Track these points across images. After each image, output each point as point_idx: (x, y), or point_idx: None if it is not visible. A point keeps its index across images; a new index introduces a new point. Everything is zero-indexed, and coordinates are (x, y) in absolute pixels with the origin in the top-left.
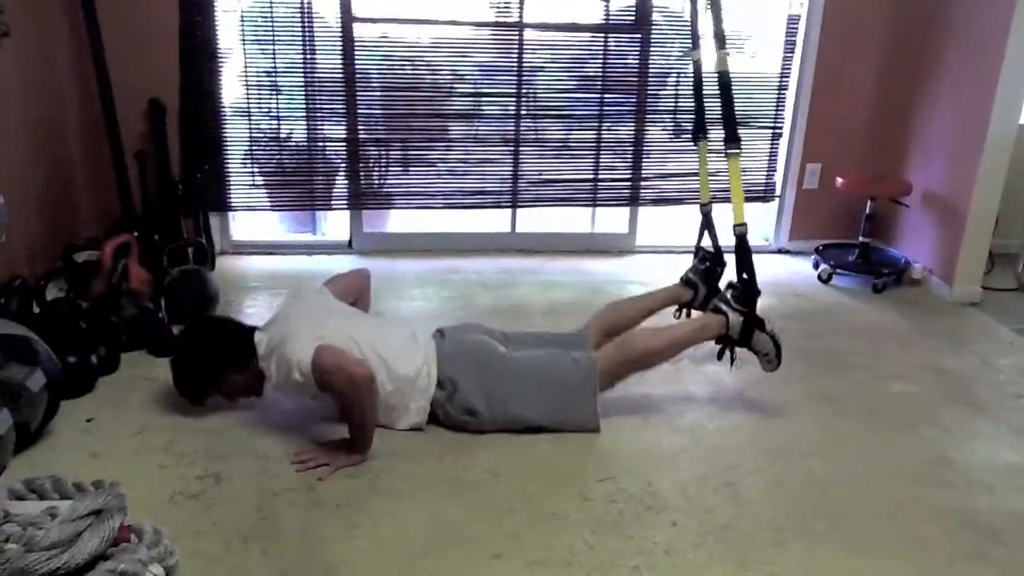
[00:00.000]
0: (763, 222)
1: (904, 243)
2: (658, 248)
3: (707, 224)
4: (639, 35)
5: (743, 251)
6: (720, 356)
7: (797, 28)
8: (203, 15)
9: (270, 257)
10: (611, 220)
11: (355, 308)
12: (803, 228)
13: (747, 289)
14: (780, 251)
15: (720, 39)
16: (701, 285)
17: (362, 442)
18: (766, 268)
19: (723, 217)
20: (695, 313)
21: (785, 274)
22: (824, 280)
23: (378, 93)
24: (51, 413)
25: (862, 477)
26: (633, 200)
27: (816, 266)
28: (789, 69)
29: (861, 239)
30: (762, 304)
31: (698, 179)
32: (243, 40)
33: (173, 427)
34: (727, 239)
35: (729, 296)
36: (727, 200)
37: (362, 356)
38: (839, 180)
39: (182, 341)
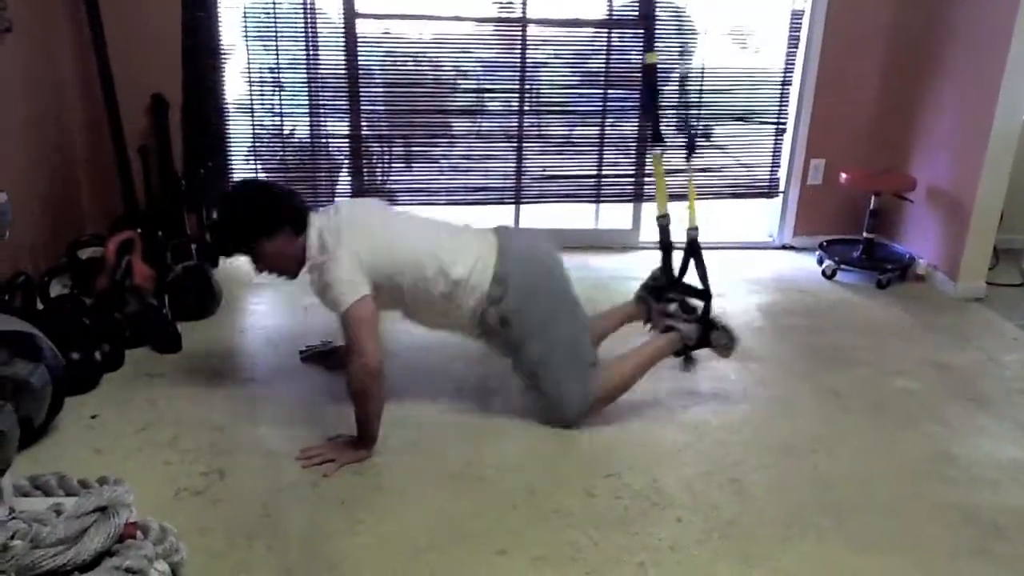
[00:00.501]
0: (767, 218)
1: (908, 239)
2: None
3: (665, 237)
4: (642, 30)
5: (696, 255)
6: (684, 364)
7: (801, 24)
8: (206, 11)
9: None
10: (615, 216)
11: (409, 211)
12: (807, 224)
13: (702, 294)
14: (784, 247)
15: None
16: (653, 301)
17: (367, 436)
18: (770, 264)
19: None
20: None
21: (789, 270)
22: (828, 276)
23: (381, 89)
24: (55, 409)
25: (867, 473)
26: (637, 196)
27: (820, 262)
28: (793, 64)
29: (865, 235)
30: (767, 300)
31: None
32: (246, 36)
33: (177, 423)
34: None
35: (673, 310)
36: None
37: (416, 259)
38: (843, 176)
39: (243, 185)
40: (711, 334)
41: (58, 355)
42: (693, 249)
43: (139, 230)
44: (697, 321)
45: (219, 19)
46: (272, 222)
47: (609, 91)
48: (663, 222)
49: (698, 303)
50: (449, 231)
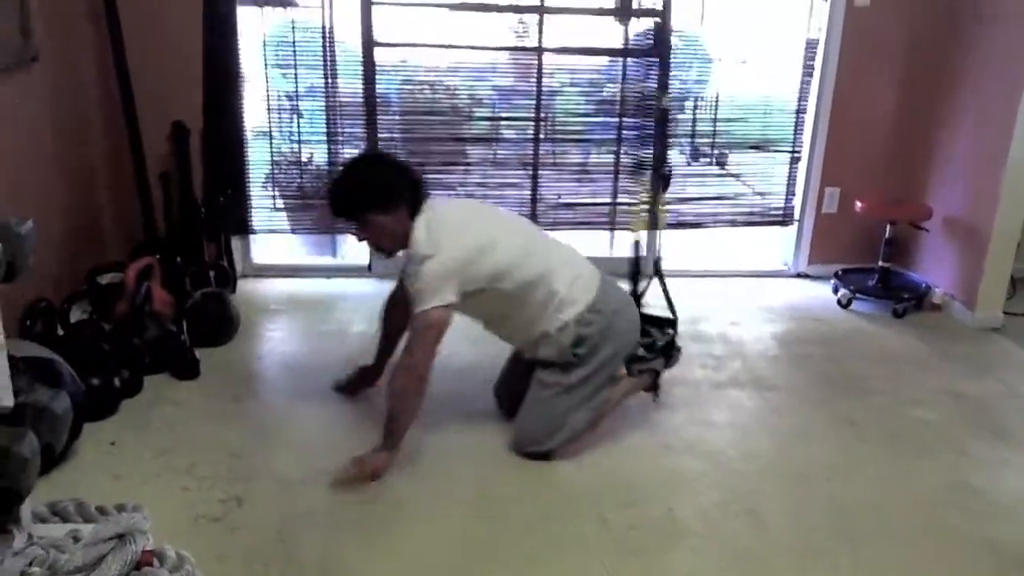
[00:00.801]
0: (782, 246)
1: (924, 268)
2: (676, 272)
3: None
4: (657, 59)
5: (662, 281)
6: (655, 395)
7: (815, 53)
8: (227, 40)
9: (290, 280)
10: (629, 243)
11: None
12: (822, 252)
13: (669, 322)
14: (799, 275)
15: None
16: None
17: (394, 439)
18: (785, 292)
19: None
20: None
21: (804, 299)
22: (844, 305)
23: (398, 117)
24: (74, 435)
25: (884, 503)
26: (651, 224)
27: (836, 291)
28: (807, 93)
29: (881, 264)
30: (782, 328)
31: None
32: (265, 64)
33: (196, 449)
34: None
35: (642, 354)
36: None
37: (524, 264)
38: (858, 204)
39: (375, 155)
40: (673, 356)
41: (78, 381)
42: (659, 276)
43: (158, 256)
44: (662, 353)
45: (239, 48)
46: (393, 197)
47: (624, 119)
48: (637, 248)
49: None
50: (549, 242)
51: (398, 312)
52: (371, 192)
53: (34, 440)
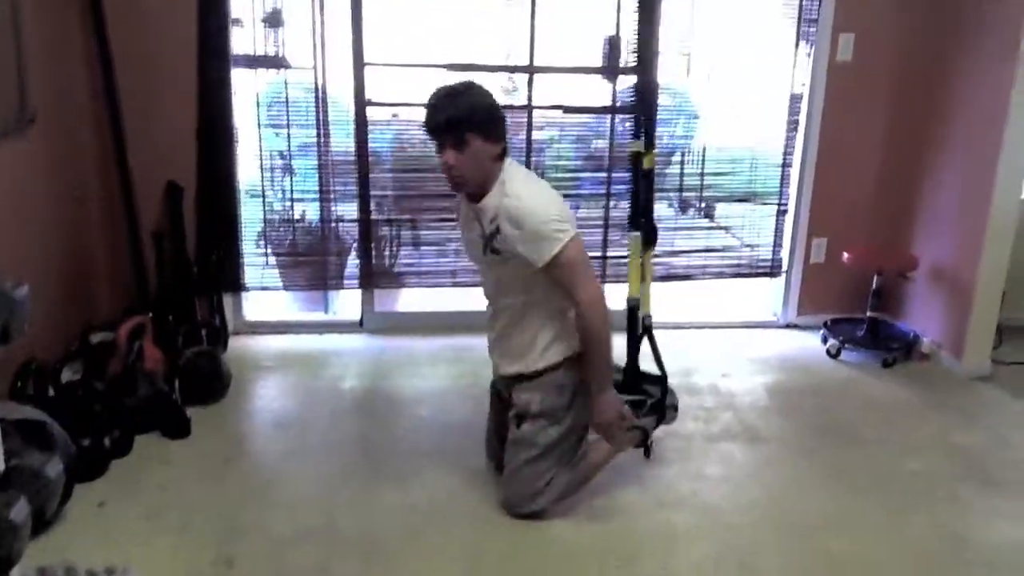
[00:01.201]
0: (771, 297)
1: (912, 317)
2: (667, 324)
3: (632, 319)
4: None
5: (651, 340)
6: (646, 453)
7: (800, 107)
8: (221, 100)
9: (282, 337)
10: (620, 296)
11: None
12: (811, 303)
13: (658, 380)
14: (788, 326)
15: (650, 141)
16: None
17: (606, 380)
18: (775, 343)
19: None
20: None
21: (794, 349)
22: (833, 355)
23: (389, 174)
24: (65, 497)
25: (878, 555)
26: (641, 276)
27: (825, 341)
28: (793, 146)
29: (869, 314)
30: (772, 379)
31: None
32: (259, 123)
33: (186, 510)
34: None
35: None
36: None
37: None
38: (845, 255)
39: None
40: (667, 415)
41: (69, 443)
42: (648, 335)
43: (151, 315)
44: (653, 411)
45: (233, 107)
46: (499, 128)
47: (613, 173)
48: (632, 303)
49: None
50: None
51: None
52: (484, 112)
53: (25, 505)
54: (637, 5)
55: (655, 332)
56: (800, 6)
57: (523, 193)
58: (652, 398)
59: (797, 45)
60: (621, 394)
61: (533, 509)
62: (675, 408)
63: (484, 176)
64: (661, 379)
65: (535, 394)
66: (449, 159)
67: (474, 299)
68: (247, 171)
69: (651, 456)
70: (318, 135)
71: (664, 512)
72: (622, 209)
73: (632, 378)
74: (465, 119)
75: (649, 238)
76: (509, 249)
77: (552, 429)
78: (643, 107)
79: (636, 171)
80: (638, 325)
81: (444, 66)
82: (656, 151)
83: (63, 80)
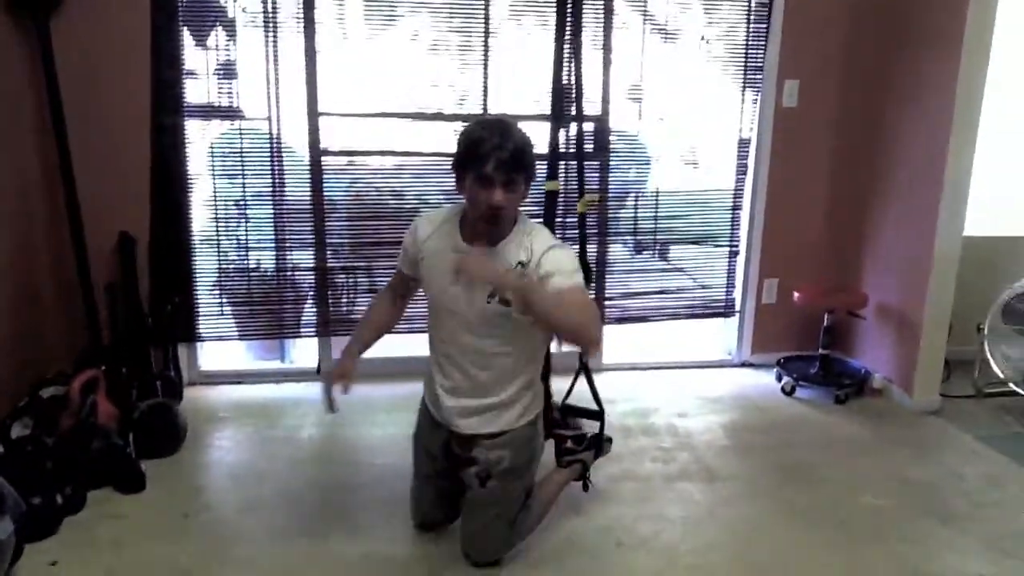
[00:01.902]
0: (725, 337)
1: (863, 354)
2: (623, 365)
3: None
4: (598, 162)
5: (587, 375)
6: (585, 486)
7: (748, 151)
8: (174, 150)
9: (238, 387)
10: None
11: None
12: (764, 341)
13: (595, 414)
14: (743, 364)
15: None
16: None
17: (545, 301)
18: (730, 381)
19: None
20: None
21: (749, 387)
22: (787, 392)
23: (345, 222)
24: (16, 557)
25: None
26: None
27: (779, 378)
28: (743, 190)
29: (821, 351)
30: (729, 418)
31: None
32: (212, 171)
33: (142, 568)
34: None
35: (570, 446)
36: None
37: None
38: (796, 295)
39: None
40: (604, 448)
41: (20, 503)
42: (585, 371)
43: (104, 367)
44: (592, 445)
45: (187, 156)
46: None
47: (568, 217)
48: (586, 358)
49: (591, 423)
50: None
51: (394, 308)
52: (531, 154)
53: None
54: (570, 52)
55: (603, 372)
56: (746, 54)
57: (550, 253)
58: (587, 433)
59: (744, 91)
60: (557, 429)
61: (499, 558)
62: (610, 440)
63: (513, 216)
64: (599, 414)
65: (505, 451)
66: (498, 199)
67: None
68: (201, 220)
69: (590, 489)
70: (273, 184)
71: (624, 554)
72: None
73: (564, 412)
74: (526, 161)
75: (589, 276)
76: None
77: (518, 483)
78: (577, 154)
79: (551, 208)
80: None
81: (399, 115)
82: (600, 196)
83: (12, 131)
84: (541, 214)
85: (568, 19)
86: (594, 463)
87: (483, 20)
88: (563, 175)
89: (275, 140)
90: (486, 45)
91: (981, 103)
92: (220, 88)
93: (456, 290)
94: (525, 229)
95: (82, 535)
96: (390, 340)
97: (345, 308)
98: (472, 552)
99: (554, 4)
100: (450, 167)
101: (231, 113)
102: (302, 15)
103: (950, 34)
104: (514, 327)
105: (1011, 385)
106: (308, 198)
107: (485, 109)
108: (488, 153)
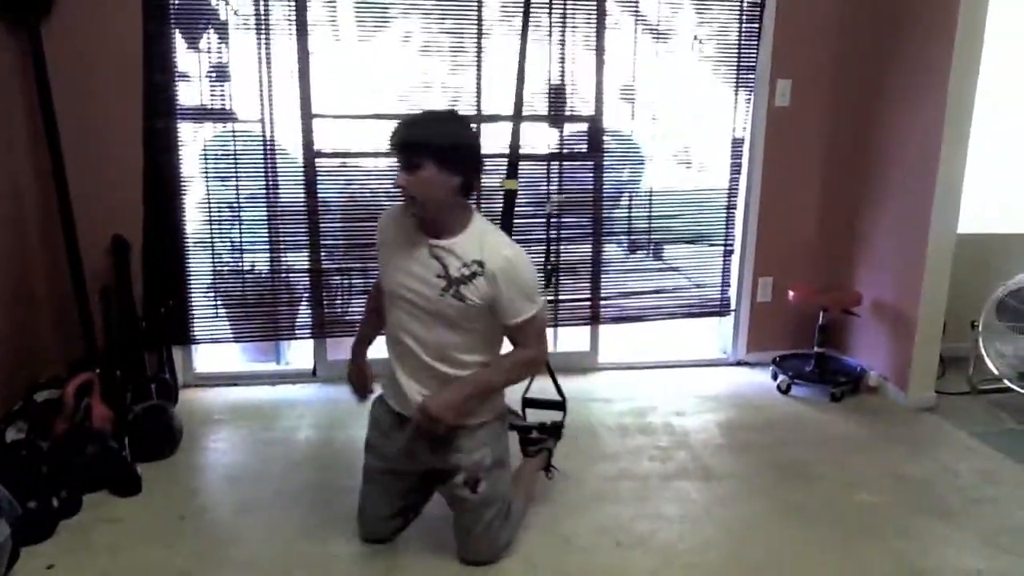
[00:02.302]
0: (721, 336)
1: (858, 351)
2: (620, 364)
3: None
4: (591, 161)
5: (549, 369)
6: (548, 473)
7: (741, 151)
8: (167, 153)
9: (234, 389)
10: (573, 338)
11: None
12: (760, 340)
13: (558, 404)
14: (739, 363)
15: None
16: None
17: (472, 398)
18: (726, 380)
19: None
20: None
21: (745, 386)
22: (783, 391)
23: (339, 223)
24: (12, 561)
25: None
26: (594, 319)
27: (775, 377)
28: (737, 189)
29: (816, 349)
30: (725, 416)
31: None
32: (206, 173)
33: (138, 570)
34: None
35: (536, 435)
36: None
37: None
38: (791, 293)
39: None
40: (560, 434)
41: (16, 506)
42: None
43: (98, 370)
44: (554, 433)
45: (180, 158)
46: (458, 160)
47: (563, 218)
48: None
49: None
50: None
51: (377, 315)
52: (444, 140)
53: None
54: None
55: (600, 371)
56: (739, 54)
57: (511, 252)
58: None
59: (737, 91)
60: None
61: (494, 557)
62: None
63: (438, 206)
64: (562, 404)
65: (484, 449)
66: (400, 180)
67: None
68: (195, 223)
69: (552, 476)
70: (267, 186)
71: (622, 553)
72: (572, 253)
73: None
74: (422, 142)
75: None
76: (480, 300)
77: (505, 474)
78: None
79: (510, 207)
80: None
81: (392, 116)
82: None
83: (4, 136)
84: (500, 213)
85: (531, 21)
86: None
87: (476, 22)
88: (556, 176)
89: (268, 142)
90: (479, 46)
91: (974, 101)
92: (212, 91)
93: (411, 282)
94: (482, 228)
95: (78, 538)
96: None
97: (340, 309)
98: (477, 556)
99: (545, 5)
100: None
101: (224, 115)
102: (294, 17)
103: (942, 32)
104: (468, 322)
105: (1005, 381)
106: (302, 200)
107: (479, 110)
108: (391, 136)
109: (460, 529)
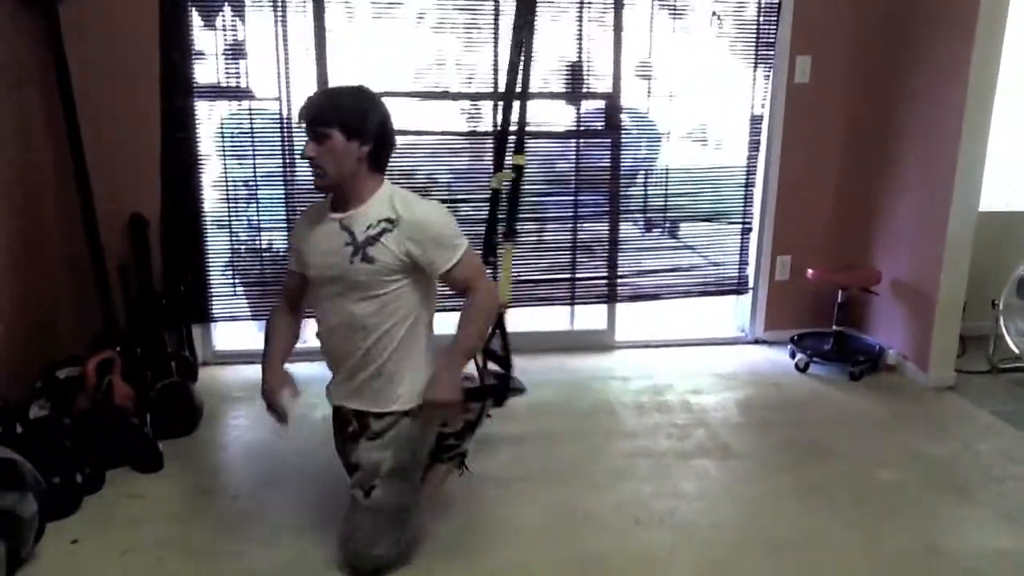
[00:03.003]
0: (738, 314)
1: (877, 330)
2: (637, 343)
3: (500, 324)
4: (609, 139)
5: (502, 329)
6: (461, 471)
7: (760, 128)
8: (184, 131)
9: (253, 366)
10: (590, 317)
11: None
12: (778, 319)
13: (502, 361)
14: (756, 341)
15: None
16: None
17: (466, 356)
18: (744, 358)
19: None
20: None
21: (763, 364)
22: (801, 369)
23: None
24: (38, 536)
25: (858, 570)
26: (611, 297)
27: (793, 355)
28: (755, 166)
29: (835, 328)
30: (743, 395)
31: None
32: (223, 152)
33: (161, 546)
34: None
35: (452, 441)
36: None
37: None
38: (810, 272)
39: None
40: (507, 396)
41: (41, 481)
42: (500, 325)
43: (119, 349)
44: (491, 394)
45: (198, 137)
46: (364, 129)
47: (579, 195)
48: (500, 312)
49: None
50: None
51: (293, 319)
52: (349, 110)
53: (1, 546)
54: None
55: (617, 349)
56: (757, 30)
57: (422, 206)
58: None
59: (755, 68)
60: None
61: (385, 565)
62: (523, 391)
63: (346, 176)
64: (505, 360)
65: (385, 452)
66: (307, 150)
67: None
68: (212, 201)
69: (466, 472)
70: (283, 164)
71: (643, 532)
72: (588, 231)
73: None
74: (328, 113)
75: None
76: (393, 259)
77: (405, 486)
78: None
79: (516, 186)
80: (505, 329)
81: (408, 94)
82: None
83: (23, 116)
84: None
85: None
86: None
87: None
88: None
89: (285, 120)
90: (496, 24)
91: (997, 77)
92: (229, 69)
93: (327, 259)
94: (392, 191)
95: (102, 514)
96: None
97: None
98: (355, 561)
99: None
100: (458, 146)
101: (240, 93)
102: None
103: (965, 5)
104: (383, 287)
105: None
106: None
107: (495, 87)
108: (300, 109)
109: (345, 525)
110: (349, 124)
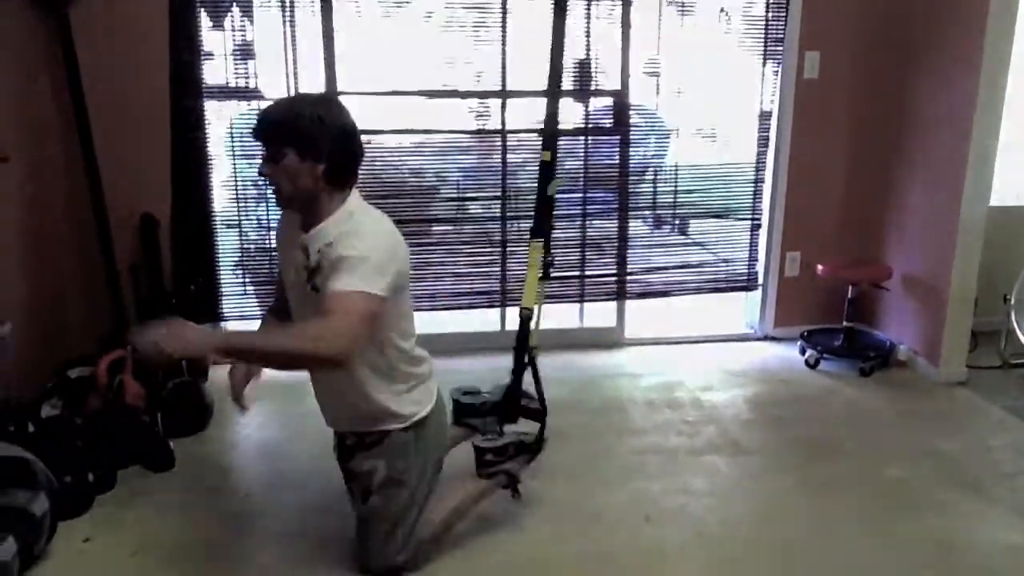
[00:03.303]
0: (748, 310)
1: (888, 326)
2: (646, 340)
3: (524, 330)
4: (618, 136)
5: (535, 371)
6: (514, 495)
7: (769, 124)
8: (194, 131)
9: None
10: (599, 314)
11: None
12: (787, 315)
13: (537, 414)
14: (766, 338)
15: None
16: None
17: (238, 346)
18: (754, 355)
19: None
20: None
21: (773, 361)
22: (811, 365)
23: (365, 200)
24: (50, 535)
25: (870, 566)
26: (620, 294)
27: (803, 352)
28: (764, 163)
29: (845, 324)
30: (753, 391)
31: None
32: (232, 152)
33: (172, 544)
34: None
35: (492, 458)
36: None
37: (404, 299)
38: (820, 268)
39: (350, 121)
40: (542, 447)
41: (53, 480)
42: (532, 366)
43: (129, 348)
44: (519, 452)
45: (208, 137)
46: (316, 147)
47: (588, 193)
48: (525, 314)
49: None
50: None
51: (287, 315)
52: (302, 128)
53: (13, 545)
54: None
55: (627, 346)
56: (766, 26)
57: (359, 231)
58: (509, 443)
59: (764, 63)
60: (495, 421)
61: (400, 565)
62: (544, 440)
63: (304, 197)
64: (541, 413)
65: (378, 462)
66: (262, 169)
67: (452, 321)
68: (222, 201)
69: (519, 498)
70: None
71: (654, 529)
72: (597, 228)
73: (512, 408)
74: (281, 131)
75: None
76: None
77: (403, 491)
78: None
79: (544, 180)
80: (528, 341)
81: (416, 92)
82: (559, 180)
83: (35, 117)
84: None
85: None
86: (528, 466)
87: None
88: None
89: None
90: (504, 22)
91: (1008, 70)
92: (238, 69)
93: (291, 277)
94: (349, 212)
95: (113, 513)
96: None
97: None
98: (369, 564)
99: None
100: (466, 145)
101: (250, 94)
102: None
103: None
104: None
105: None
106: None
107: (504, 85)
108: (254, 124)
109: (358, 535)
110: (303, 143)
